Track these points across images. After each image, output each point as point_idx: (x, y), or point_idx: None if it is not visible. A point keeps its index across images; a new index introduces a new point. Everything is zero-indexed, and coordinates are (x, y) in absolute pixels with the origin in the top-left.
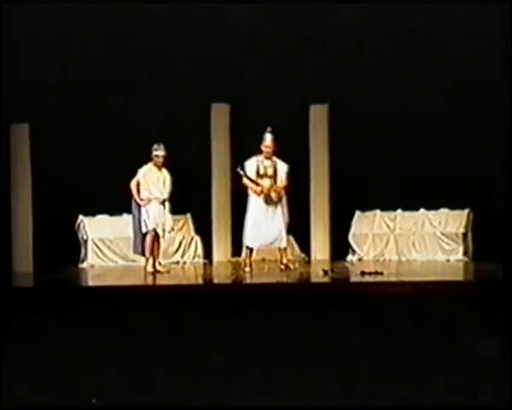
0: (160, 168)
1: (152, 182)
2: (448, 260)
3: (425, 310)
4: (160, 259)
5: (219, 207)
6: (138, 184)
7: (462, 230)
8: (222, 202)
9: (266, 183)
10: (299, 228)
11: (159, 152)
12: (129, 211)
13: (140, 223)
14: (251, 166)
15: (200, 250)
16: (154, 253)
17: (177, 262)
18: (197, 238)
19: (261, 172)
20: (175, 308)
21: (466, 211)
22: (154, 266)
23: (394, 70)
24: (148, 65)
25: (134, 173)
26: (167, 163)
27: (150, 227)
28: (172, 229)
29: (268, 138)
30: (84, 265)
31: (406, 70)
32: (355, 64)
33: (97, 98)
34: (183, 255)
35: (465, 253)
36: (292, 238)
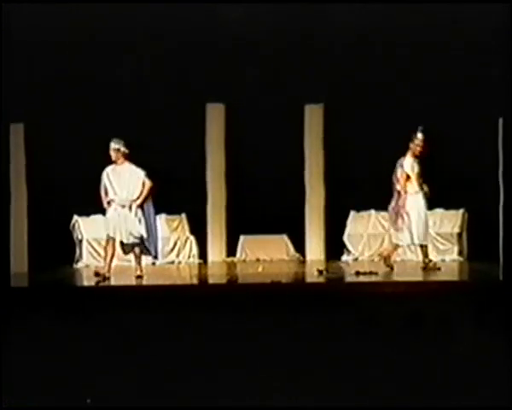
0: (120, 165)
1: (114, 182)
2: (443, 260)
3: (420, 310)
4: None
5: (214, 208)
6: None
7: (456, 230)
8: (217, 202)
9: (421, 181)
10: (294, 228)
11: (111, 145)
12: None
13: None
14: (410, 164)
15: (194, 250)
16: (109, 260)
17: (172, 262)
18: (192, 238)
19: (416, 170)
20: (170, 308)
21: (461, 211)
22: (108, 270)
23: (390, 70)
24: (143, 65)
25: None
26: (130, 158)
27: (106, 233)
28: (136, 237)
29: (418, 137)
30: (79, 265)
31: (402, 70)
32: (350, 64)
33: (92, 98)
34: (177, 255)
35: (460, 253)
36: (287, 238)
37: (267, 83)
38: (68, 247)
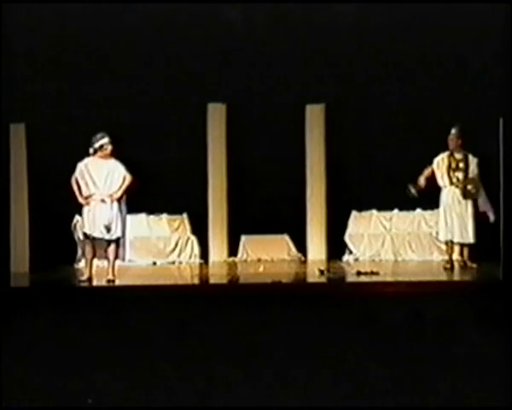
0: (104, 159)
1: (94, 176)
2: (444, 260)
3: (421, 310)
4: (117, 265)
5: (215, 208)
6: (78, 180)
7: None
8: (218, 202)
9: (460, 176)
10: (295, 228)
11: (104, 140)
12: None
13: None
14: (439, 158)
15: (196, 250)
16: (90, 261)
17: (173, 262)
18: (193, 238)
19: (446, 164)
20: (171, 308)
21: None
22: (90, 275)
23: (391, 70)
24: (144, 65)
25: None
26: (115, 154)
27: (84, 230)
28: (109, 231)
29: (451, 132)
30: (80, 265)
31: (404, 70)
32: (351, 64)
33: (94, 98)
34: (179, 255)
35: (461, 253)
36: (288, 238)
37: (269, 83)
38: (70, 247)
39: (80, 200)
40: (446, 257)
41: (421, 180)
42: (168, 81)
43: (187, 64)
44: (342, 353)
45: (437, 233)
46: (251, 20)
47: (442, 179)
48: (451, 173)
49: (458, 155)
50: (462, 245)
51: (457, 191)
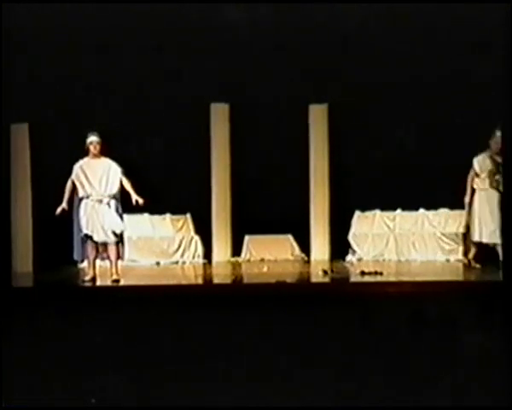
0: (98, 159)
1: (89, 176)
2: (448, 260)
3: (424, 310)
4: (119, 265)
5: (219, 207)
6: (74, 183)
7: (461, 230)
8: (222, 202)
9: (500, 179)
10: (298, 228)
11: (92, 138)
12: (127, 211)
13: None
14: (479, 160)
15: (199, 250)
16: (93, 261)
17: (177, 262)
18: (197, 238)
19: (489, 167)
20: (174, 308)
21: (465, 211)
22: (94, 275)
23: (394, 70)
24: (147, 64)
25: (131, 172)
26: (107, 153)
27: (84, 232)
28: (116, 235)
29: (496, 134)
30: (84, 264)
31: (405, 70)
32: (355, 64)
33: (96, 98)
34: (182, 255)
35: (465, 253)
36: (291, 238)
37: (271, 82)
38: (73, 247)
39: (64, 205)
40: (451, 257)
41: (467, 200)
42: (171, 81)
43: (190, 64)
44: (345, 352)
45: (467, 230)
46: (254, 20)
47: (482, 182)
48: (491, 177)
49: (499, 158)
50: (466, 245)
51: (496, 194)
